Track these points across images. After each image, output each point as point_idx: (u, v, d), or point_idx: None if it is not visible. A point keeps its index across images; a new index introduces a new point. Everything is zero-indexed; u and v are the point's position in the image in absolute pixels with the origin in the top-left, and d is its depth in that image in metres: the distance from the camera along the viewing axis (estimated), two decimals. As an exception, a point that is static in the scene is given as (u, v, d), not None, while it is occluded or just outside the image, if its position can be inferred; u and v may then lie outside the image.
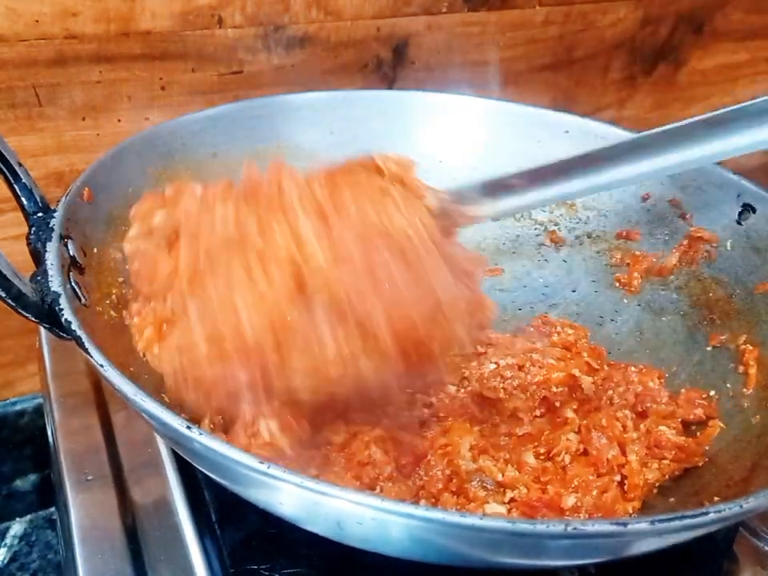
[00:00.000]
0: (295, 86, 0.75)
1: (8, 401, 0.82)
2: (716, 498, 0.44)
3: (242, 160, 0.64)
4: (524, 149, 0.69)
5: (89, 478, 0.52)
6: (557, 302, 0.66)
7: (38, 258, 0.45)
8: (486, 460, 0.48)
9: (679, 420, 0.53)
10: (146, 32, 0.67)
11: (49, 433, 0.58)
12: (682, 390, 0.55)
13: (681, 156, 0.43)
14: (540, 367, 0.55)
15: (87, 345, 0.39)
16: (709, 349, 0.57)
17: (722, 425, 0.51)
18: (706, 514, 0.34)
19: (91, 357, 0.39)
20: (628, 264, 0.65)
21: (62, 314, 0.41)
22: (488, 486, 0.48)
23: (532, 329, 0.62)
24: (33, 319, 0.43)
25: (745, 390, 0.53)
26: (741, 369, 0.54)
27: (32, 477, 0.87)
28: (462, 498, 0.46)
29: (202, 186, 0.46)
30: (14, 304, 0.42)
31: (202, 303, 0.42)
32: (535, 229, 0.69)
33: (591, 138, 0.67)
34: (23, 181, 0.48)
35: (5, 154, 0.47)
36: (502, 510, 0.46)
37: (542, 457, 0.50)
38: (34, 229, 0.47)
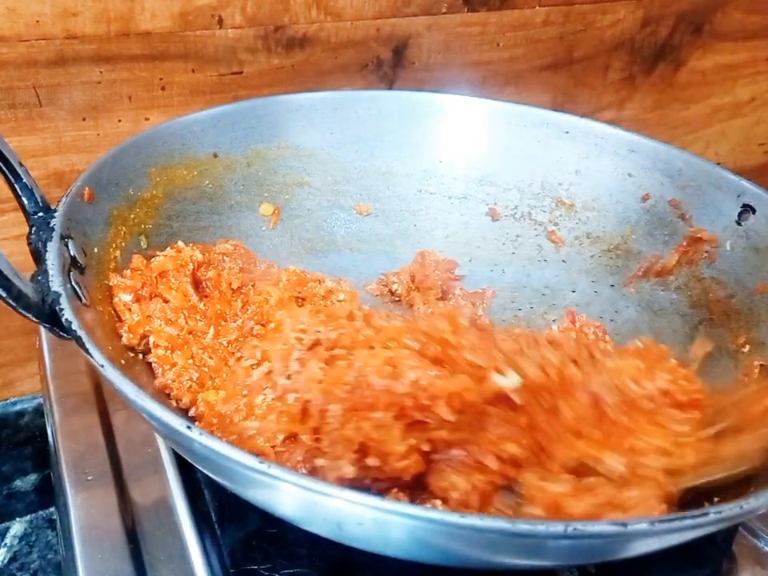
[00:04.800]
0: (295, 86, 0.76)
1: (8, 401, 0.81)
2: (716, 498, 0.44)
3: (242, 160, 0.65)
4: (524, 149, 0.69)
5: (89, 478, 0.52)
6: (557, 302, 0.66)
7: (38, 257, 0.45)
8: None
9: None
10: (145, 32, 0.67)
11: (49, 433, 0.58)
12: None
13: None
14: None
15: (87, 345, 0.39)
16: (709, 349, 0.57)
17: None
18: (706, 514, 0.34)
19: (91, 357, 0.39)
20: (628, 264, 0.65)
21: (63, 314, 0.41)
22: None
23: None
24: (33, 319, 0.43)
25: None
26: (740, 369, 0.54)
27: (32, 477, 0.87)
28: None
29: None
30: (14, 304, 0.42)
31: None
32: (535, 229, 0.69)
33: (591, 138, 0.67)
34: (24, 181, 0.48)
35: (5, 154, 0.47)
36: None
37: None
38: (34, 229, 0.47)
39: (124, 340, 0.50)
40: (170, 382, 0.50)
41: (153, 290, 0.53)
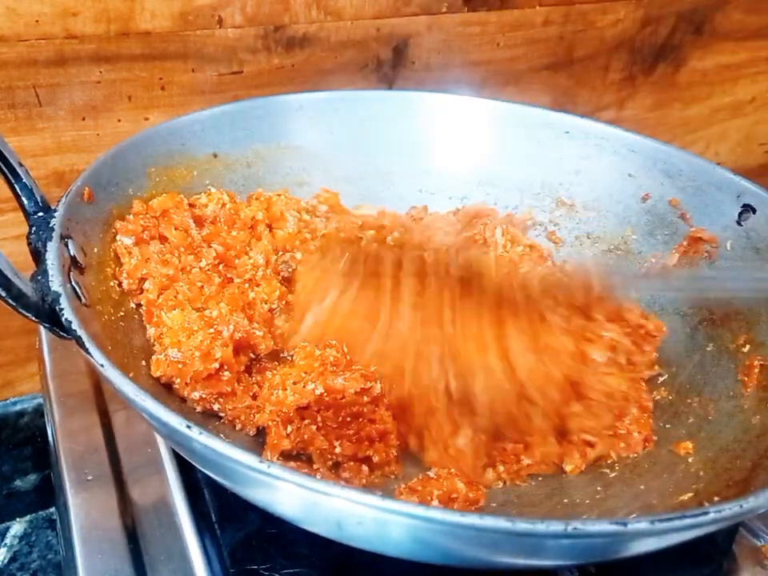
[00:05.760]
0: (295, 86, 0.76)
1: (8, 401, 0.82)
2: (716, 498, 0.44)
3: (242, 160, 0.65)
4: (524, 149, 0.69)
5: (89, 478, 0.52)
6: (557, 302, 0.66)
7: (38, 257, 0.45)
8: None
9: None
10: (145, 32, 0.67)
11: (49, 433, 0.58)
12: None
13: None
14: None
15: (87, 344, 0.39)
16: (709, 349, 0.57)
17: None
18: (706, 513, 0.34)
19: (91, 356, 0.39)
20: (628, 264, 0.65)
21: (62, 314, 0.41)
22: None
23: None
24: (33, 319, 0.43)
25: (745, 390, 0.53)
26: (740, 369, 0.54)
27: (32, 477, 0.87)
28: None
29: None
30: (14, 304, 0.42)
31: None
32: (535, 229, 0.69)
33: (591, 138, 0.67)
34: (24, 181, 0.48)
35: (5, 154, 0.47)
36: None
37: None
38: (34, 228, 0.47)
39: (124, 285, 0.52)
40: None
41: (154, 232, 0.55)
